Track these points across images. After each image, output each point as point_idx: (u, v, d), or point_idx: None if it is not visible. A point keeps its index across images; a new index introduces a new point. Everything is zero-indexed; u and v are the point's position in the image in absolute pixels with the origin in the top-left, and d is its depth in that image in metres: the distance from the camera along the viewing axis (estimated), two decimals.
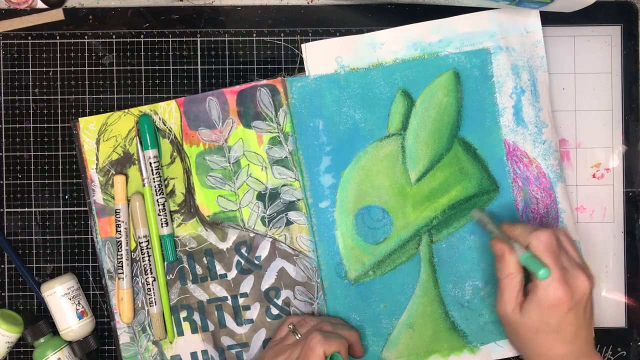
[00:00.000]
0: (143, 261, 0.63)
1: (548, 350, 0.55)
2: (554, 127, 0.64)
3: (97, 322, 0.65)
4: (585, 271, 0.55)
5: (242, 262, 0.64)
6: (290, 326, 0.60)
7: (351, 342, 0.59)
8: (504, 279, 0.56)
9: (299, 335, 0.58)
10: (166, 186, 0.64)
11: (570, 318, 0.54)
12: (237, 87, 0.64)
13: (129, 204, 0.63)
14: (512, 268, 0.56)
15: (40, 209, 0.65)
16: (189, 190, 0.64)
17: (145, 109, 0.64)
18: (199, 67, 0.65)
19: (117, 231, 0.63)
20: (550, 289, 0.53)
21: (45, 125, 0.65)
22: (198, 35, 0.65)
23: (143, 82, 0.65)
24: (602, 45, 0.66)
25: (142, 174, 0.62)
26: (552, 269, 0.53)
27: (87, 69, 0.65)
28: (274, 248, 0.64)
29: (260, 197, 0.64)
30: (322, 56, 0.64)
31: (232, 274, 0.64)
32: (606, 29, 0.66)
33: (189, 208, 0.64)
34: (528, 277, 0.56)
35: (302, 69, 0.64)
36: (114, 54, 0.65)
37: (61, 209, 0.65)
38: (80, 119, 0.64)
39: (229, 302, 0.64)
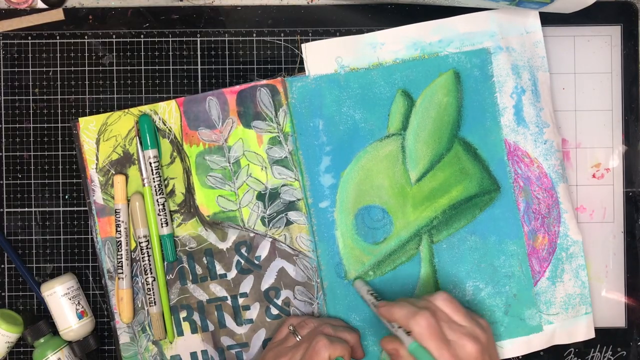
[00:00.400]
0: (143, 261, 0.63)
1: None
2: (555, 127, 0.64)
3: (97, 322, 0.65)
4: (472, 333, 0.55)
5: (242, 262, 0.64)
6: (291, 327, 0.60)
7: (352, 344, 0.59)
8: None
9: (299, 337, 0.58)
10: (166, 186, 0.64)
11: None
12: (237, 87, 0.64)
13: (128, 204, 0.63)
14: (405, 354, 0.56)
15: (40, 209, 0.65)
16: (189, 190, 0.64)
17: (145, 109, 0.64)
18: (199, 67, 0.65)
19: (117, 231, 0.63)
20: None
21: (45, 125, 0.65)
22: (198, 35, 0.65)
23: (143, 82, 0.65)
24: (602, 45, 0.66)
25: (142, 174, 0.62)
26: (439, 352, 0.53)
27: (87, 69, 0.65)
28: (274, 248, 0.64)
29: (260, 197, 0.64)
30: (322, 56, 0.64)
31: (232, 274, 0.64)
32: (606, 29, 0.66)
33: (189, 208, 0.64)
34: None
35: (302, 69, 0.64)
36: (114, 54, 0.65)
37: (61, 209, 0.65)
38: (80, 119, 0.64)
39: (229, 302, 0.64)
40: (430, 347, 0.53)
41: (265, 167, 0.64)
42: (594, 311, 0.65)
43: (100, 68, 0.65)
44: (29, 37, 0.65)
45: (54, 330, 0.64)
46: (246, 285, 0.64)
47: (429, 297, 0.57)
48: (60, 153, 0.65)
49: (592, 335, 0.65)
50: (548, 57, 0.65)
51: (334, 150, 0.64)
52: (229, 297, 0.64)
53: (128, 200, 0.63)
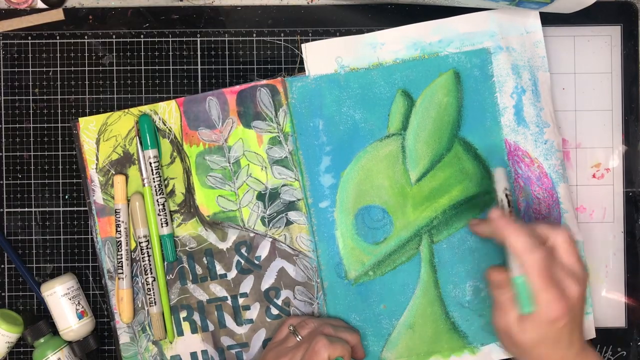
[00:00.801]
0: (143, 261, 0.63)
1: (548, 358, 0.56)
2: (556, 127, 0.64)
3: (97, 322, 0.65)
4: (577, 274, 0.55)
5: (242, 262, 0.64)
6: (291, 327, 0.60)
7: (352, 344, 0.59)
8: (501, 297, 0.57)
9: (300, 337, 0.58)
10: (166, 186, 0.64)
11: (567, 327, 0.54)
12: (237, 87, 0.64)
13: (128, 204, 0.63)
14: (509, 287, 0.56)
15: (40, 209, 0.65)
16: (189, 190, 0.64)
17: (145, 109, 0.64)
18: (199, 67, 0.65)
19: (117, 231, 0.63)
20: (548, 308, 0.53)
21: (45, 125, 0.65)
22: (198, 35, 0.65)
23: (143, 82, 0.65)
24: (602, 45, 0.66)
25: (142, 174, 0.62)
26: (546, 289, 0.53)
27: (87, 69, 0.65)
28: (274, 248, 0.64)
29: (260, 197, 0.64)
30: (322, 56, 0.64)
31: (232, 274, 0.64)
32: (606, 29, 0.66)
33: (189, 208, 0.64)
34: None
35: (302, 69, 0.64)
36: (114, 54, 0.65)
37: (61, 209, 0.65)
38: (80, 119, 0.64)
39: (229, 302, 0.64)
40: (536, 285, 0.53)
41: (265, 167, 0.64)
42: (594, 311, 0.65)
43: (100, 68, 0.65)
44: (29, 37, 0.65)
45: (54, 330, 0.64)
46: (246, 285, 0.64)
47: (551, 230, 0.56)
48: (60, 153, 0.65)
49: (593, 335, 0.65)
50: (548, 57, 0.65)
51: (334, 150, 0.64)
52: (229, 297, 0.64)
53: (128, 200, 0.63)
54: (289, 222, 0.64)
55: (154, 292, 0.63)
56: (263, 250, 0.64)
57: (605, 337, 0.66)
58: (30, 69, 0.65)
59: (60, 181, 0.65)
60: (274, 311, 0.64)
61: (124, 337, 0.64)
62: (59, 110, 0.65)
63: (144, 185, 0.63)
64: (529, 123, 0.64)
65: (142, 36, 0.65)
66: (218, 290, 0.64)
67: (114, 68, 0.65)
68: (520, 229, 0.55)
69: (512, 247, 0.55)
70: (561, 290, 0.54)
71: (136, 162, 0.63)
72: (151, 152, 0.62)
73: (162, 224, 0.63)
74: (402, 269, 0.64)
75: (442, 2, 0.62)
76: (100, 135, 0.64)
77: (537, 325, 0.54)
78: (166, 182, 0.64)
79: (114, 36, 0.65)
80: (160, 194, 0.62)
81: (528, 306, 0.54)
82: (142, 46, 0.65)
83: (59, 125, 0.65)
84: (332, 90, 0.64)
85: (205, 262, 0.64)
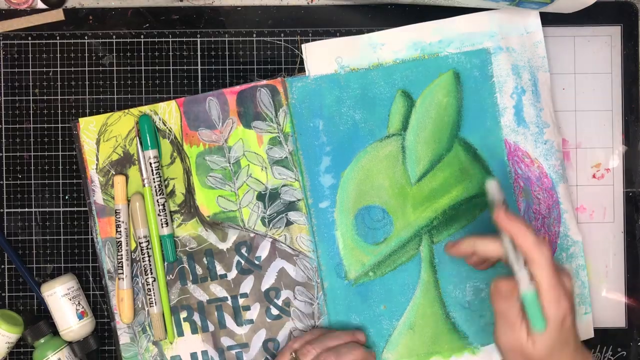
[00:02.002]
0: (143, 261, 0.63)
1: None
2: (556, 127, 0.64)
3: (97, 323, 0.65)
4: (563, 268, 0.54)
5: (242, 262, 0.64)
6: (293, 354, 0.59)
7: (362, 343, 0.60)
8: (508, 311, 0.53)
9: None
10: (166, 186, 0.64)
11: (572, 324, 0.52)
12: (237, 87, 0.64)
13: (129, 204, 0.63)
14: (515, 299, 0.52)
15: (40, 209, 0.65)
16: (189, 191, 0.64)
17: (145, 109, 0.64)
18: (199, 67, 0.65)
19: (117, 231, 0.63)
20: (558, 306, 0.51)
21: (45, 125, 0.65)
22: (198, 36, 0.65)
23: (143, 82, 0.65)
24: (602, 45, 0.66)
25: (142, 174, 0.62)
26: (556, 286, 0.50)
27: (87, 69, 0.65)
28: (274, 248, 0.64)
29: (260, 197, 0.64)
30: (322, 56, 0.64)
31: (232, 274, 0.64)
32: (606, 29, 0.66)
33: (189, 208, 0.64)
34: None
35: (302, 69, 0.64)
36: (114, 54, 0.65)
37: (61, 209, 0.65)
38: (80, 119, 0.64)
39: (229, 302, 0.64)
40: (547, 282, 0.50)
41: (266, 168, 0.64)
42: (594, 311, 0.65)
43: (100, 68, 0.65)
44: (29, 38, 0.65)
45: (54, 331, 0.64)
46: (246, 285, 0.64)
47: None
48: (60, 153, 0.65)
49: (591, 334, 0.65)
50: (548, 57, 0.65)
51: (334, 150, 0.64)
52: (229, 298, 0.64)
53: (128, 201, 0.63)
54: (289, 223, 0.64)
55: (154, 293, 0.63)
56: (263, 251, 0.64)
57: (605, 338, 0.66)
58: (30, 69, 0.65)
59: (60, 181, 0.65)
60: (274, 311, 0.64)
61: (124, 338, 0.64)
62: (59, 111, 0.65)
63: (144, 185, 0.63)
64: (528, 123, 0.64)
65: (142, 36, 0.65)
66: (218, 290, 0.64)
67: (114, 68, 0.65)
68: (526, 226, 0.52)
69: (521, 243, 0.51)
70: (563, 286, 0.52)
71: (136, 162, 0.63)
72: (151, 153, 0.62)
73: (162, 224, 0.63)
74: (402, 270, 0.64)
75: (442, 2, 0.62)
76: (100, 136, 0.64)
77: (549, 330, 0.51)
78: (166, 182, 0.64)
79: (114, 36, 0.65)
80: (160, 194, 0.62)
81: (541, 323, 0.51)
82: (142, 46, 0.65)
83: (59, 125, 0.65)
84: (332, 90, 0.64)
85: (206, 262, 0.64)
